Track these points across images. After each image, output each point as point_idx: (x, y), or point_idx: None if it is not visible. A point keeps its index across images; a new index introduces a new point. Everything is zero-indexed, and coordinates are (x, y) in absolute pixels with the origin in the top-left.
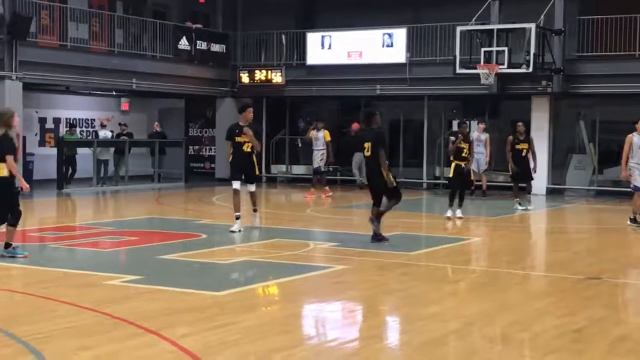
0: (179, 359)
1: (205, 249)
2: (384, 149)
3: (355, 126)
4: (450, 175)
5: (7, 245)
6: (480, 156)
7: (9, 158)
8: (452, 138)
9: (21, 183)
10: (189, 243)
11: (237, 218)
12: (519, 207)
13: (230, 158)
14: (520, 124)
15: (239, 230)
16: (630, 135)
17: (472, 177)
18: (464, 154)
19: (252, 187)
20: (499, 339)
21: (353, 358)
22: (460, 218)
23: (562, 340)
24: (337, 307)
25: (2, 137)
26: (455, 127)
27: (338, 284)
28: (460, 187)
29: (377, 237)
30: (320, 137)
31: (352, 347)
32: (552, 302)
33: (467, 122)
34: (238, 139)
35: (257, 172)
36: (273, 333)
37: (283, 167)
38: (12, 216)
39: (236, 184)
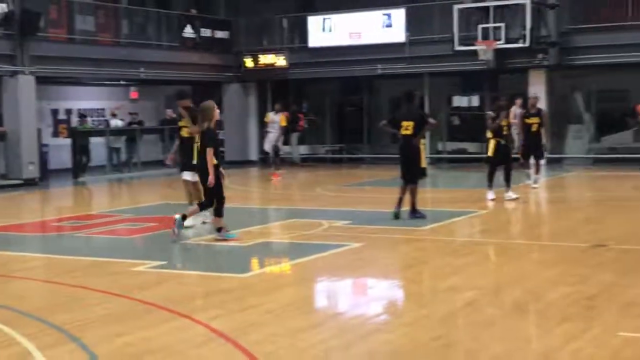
0: (213, 342)
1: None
2: (426, 128)
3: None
4: (490, 153)
5: (219, 229)
6: None
7: (210, 151)
8: (491, 113)
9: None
10: (207, 226)
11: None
12: (536, 185)
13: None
14: (531, 96)
15: (193, 225)
16: None
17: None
18: (504, 132)
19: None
20: (514, 308)
21: (377, 334)
22: (514, 199)
23: (575, 308)
24: (357, 284)
25: (207, 131)
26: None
27: (356, 261)
28: (506, 165)
29: (416, 213)
30: (277, 120)
31: (375, 323)
32: (562, 271)
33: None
34: (179, 123)
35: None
36: (299, 312)
37: (287, 148)
38: (217, 204)
39: (184, 175)
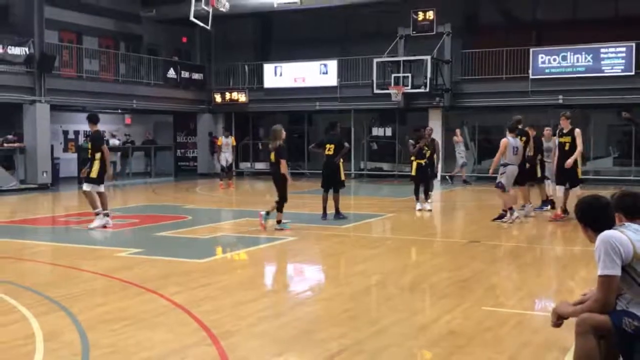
0: (173, 311)
1: (190, 227)
2: (343, 150)
3: None
4: (413, 173)
5: (279, 222)
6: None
7: (283, 162)
8: (412, 141)
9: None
10: (178, 223)
11: (96, 214)
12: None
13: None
14: (428, 128)
15: (91, 228)
16: (505, 139)
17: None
18: (424, 152)
19: (99, 188)
20: (407, 288)
21: (301, 306)
22: (429, 210)
23: (452, 287)
24: (289, 269)
25: (280, 147)
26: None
27: (290, 251)
28: (425, 182)
29: (339, 215)
30: (229, 142)
31: (301, 297)
32: (445, 260)
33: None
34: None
35: (94, 174)
36: (243, 289)
37: (248, 164)
38: (281, 201)
39: (84, 186)
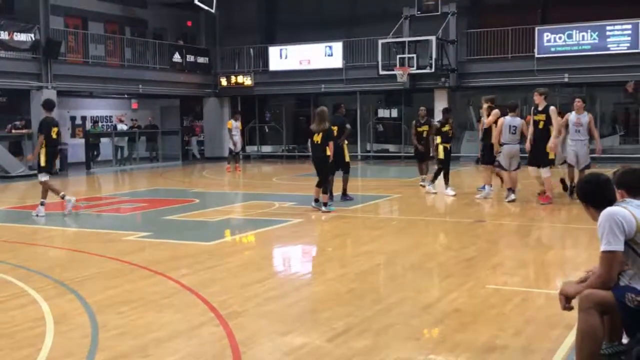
0: (181, 293)
1: (198, 211)
2: (346, 132)
3: None
4: (441, 156)
5: (325, 204)
6: (580, 145)
7: (331, 144)
8: (437, 124)
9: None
10: (186, 206)
11: (62, 197)
12: (423, 184)
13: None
14: (421, 108)
15: (37, 215)
16: (500, 119)
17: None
18: (450, 136)
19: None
20: (412, 267)
21: (307, 287)
22: (434, 193)
23: (457, 266)
24: (296, 250)
25: (328, 130)
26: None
27: (296, 232)
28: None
29: (346, 197)
30: (238, 125)
31: (307, 278)
32: (451, 239)
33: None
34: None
35: (42, 163)
36: (249, 270)
37: (255, 147)
38: (325, 184)
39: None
